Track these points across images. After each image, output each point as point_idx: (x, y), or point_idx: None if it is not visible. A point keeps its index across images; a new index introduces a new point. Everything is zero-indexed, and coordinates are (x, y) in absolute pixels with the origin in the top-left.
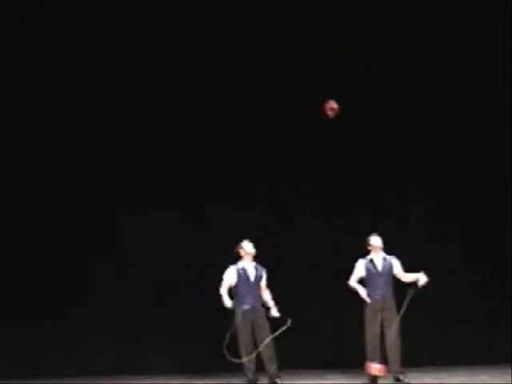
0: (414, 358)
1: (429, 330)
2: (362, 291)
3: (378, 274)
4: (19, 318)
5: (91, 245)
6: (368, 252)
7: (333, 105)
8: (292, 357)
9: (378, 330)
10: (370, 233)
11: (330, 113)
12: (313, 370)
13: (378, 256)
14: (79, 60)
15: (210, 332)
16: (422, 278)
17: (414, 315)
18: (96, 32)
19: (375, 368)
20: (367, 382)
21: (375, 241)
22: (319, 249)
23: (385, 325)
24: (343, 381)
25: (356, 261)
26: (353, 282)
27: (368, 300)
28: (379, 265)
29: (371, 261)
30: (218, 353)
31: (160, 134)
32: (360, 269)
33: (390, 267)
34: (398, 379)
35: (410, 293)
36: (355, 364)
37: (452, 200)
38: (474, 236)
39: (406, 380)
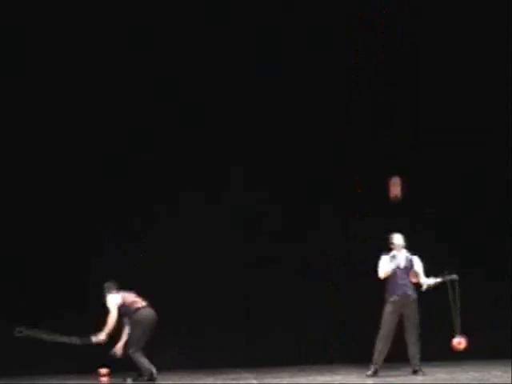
0: (428, 352)
1: (441, 326)
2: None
3: (400, 270)
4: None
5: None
6: (390, 250)
7: (398, 192)
8: (304, 352)
9: (393, 326)
10: (390, 232)
11: (393, 196)
12: (325, 366)
13: (400, 254)
14: (79, 60)
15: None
16: (429, 281)
17: (424, 310)
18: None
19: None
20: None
21: (397, 239)
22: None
23: (406, 321)
24: (355, 376)
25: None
26: (383, 273)
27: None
28: (402, 262)
29: (394, 257)
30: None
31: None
32: (385, 261)
33: (412, 264)
34: (415, 372)
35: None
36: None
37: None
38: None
39: (422, 374)
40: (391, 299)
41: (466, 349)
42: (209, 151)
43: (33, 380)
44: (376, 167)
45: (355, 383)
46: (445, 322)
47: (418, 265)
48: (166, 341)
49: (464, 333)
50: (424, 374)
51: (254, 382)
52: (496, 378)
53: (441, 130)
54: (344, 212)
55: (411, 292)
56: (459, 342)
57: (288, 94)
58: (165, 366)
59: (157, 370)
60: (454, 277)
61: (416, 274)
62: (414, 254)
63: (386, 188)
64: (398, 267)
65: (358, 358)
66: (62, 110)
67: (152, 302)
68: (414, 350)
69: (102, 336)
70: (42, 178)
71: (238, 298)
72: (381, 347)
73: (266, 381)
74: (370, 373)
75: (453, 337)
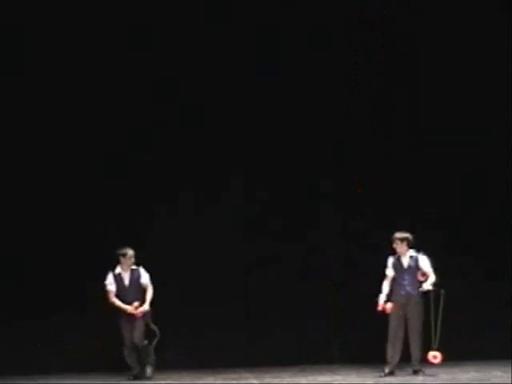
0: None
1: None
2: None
3: (404, 270)
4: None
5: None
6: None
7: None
8: (304, 352)
9: (400, 326)
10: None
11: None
12: (325, 366)
13: (404, 254)
14: (79, 60)
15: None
16: (426, 286)
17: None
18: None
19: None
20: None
21: (397, 241)
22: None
23: (408, 321)
24: (355, 376)
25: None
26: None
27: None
28: (405, 262)
29: (398, 258)
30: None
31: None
32: (388, 265)
33: (416, 264)
34: (415, 372)
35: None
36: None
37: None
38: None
39: (422, 374)
40: (394, 298)
41: (440, 363)
42: (209, 151)
43: (33, 380)
44: (376, 167)
45: (355, 383)
46: (447, 323)
47: (424, 263)
48: (166, 341)
49: (439, 349)
50: (424, 375)
51: (255, 381)
52: (496, 378)
53: (441, 130)
54: (344, 212)
55: (415, 292)
56: (435, 356)
57: (288, 94)
58: (164, 366)
59: (157, 369)
60: (441, 291)
61: (423, 274)
62: (420, 252)
63: (386, 192)
64: (399, 268)
65: (358, 358)
66: (62, 110)
67: (152, 302)
68: (415, 350)
69: (147, 306)
70: (42, 177)
71: (238, 298)
72: (390, 347)
73: (266, 381)
74: (383, 373)
75: (429, 350)
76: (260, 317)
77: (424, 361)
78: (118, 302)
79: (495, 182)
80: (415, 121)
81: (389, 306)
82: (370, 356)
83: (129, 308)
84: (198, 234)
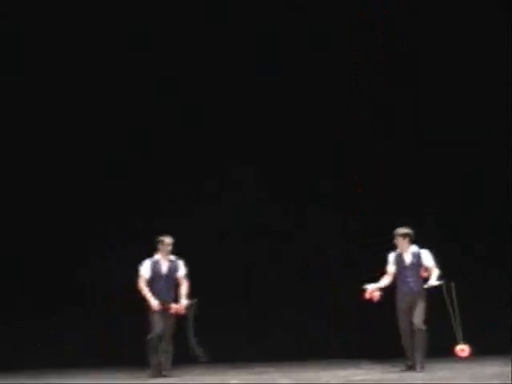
0: (437, 349)
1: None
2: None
3: (406, 267)
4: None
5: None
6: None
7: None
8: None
9: (408, 321)
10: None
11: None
12: (348, 359)
13: (405, 250)
14: (79, 60)
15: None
16: (432, 282)
17: (433, 306)
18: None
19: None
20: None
21: (397, 237)
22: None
23: (412, 316)
24: (378, 370)
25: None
26: (386, 278)
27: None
28: (407, 258)
29: (400, 255)
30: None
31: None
32: (390, 261)
33: (419, 260)
34: (421, 367)
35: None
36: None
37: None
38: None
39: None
40: (399, 296)
41: (468, 356)
42: (209, 151)
43: (34, 379)
44: (376, 167)
45: (361, 380)
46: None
47: (426, 259)
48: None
49: (465, 340)
50: (424, 370)
51: (279, 376)
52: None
53: (441, 130)
54: (344, 212)
55: (418, 288)
56: (462, 349)
57: (288, 94)
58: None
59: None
60: (451, 284)
61: (426, 269)
62: (423, 248)
63: (386, 192)
64: (402, 265)
65: (359, 358)
66: (62, 110)
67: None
68: (416, 354)
69: (185, 301)
70: (42, 178)
71: (238, 298)
72: (404, 344)
73: (289, 375)
74: (404, 368)
75: (455, 344)
76: (260, 317)
77: (452, 354)
78: (146, 291)
79: (495, 182)
80: (415, 121)
81: (376, 294)
82: (370, 356)
83: (155, 304)
84: (198, 234)
